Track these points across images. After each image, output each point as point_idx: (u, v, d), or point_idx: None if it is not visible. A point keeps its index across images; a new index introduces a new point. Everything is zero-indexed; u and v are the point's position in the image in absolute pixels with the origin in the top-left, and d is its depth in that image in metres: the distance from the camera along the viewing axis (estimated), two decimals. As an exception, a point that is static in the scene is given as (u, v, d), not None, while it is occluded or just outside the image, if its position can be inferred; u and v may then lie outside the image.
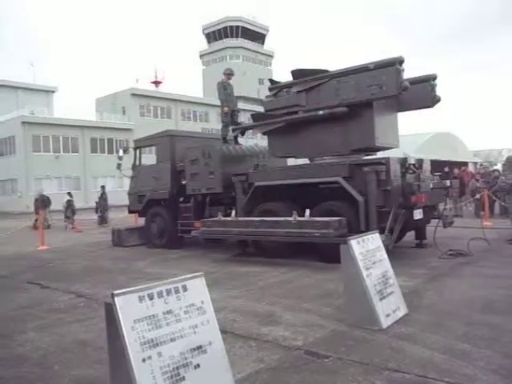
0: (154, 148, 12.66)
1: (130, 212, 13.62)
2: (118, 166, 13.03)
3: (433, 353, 3.93)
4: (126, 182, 14.57)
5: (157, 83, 61.85)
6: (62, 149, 43.04)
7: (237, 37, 67.16)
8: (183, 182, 11.42)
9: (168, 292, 3.03)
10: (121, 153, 13.35)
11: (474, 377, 3.44)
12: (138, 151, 12.93)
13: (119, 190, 37.87)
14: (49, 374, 4.02)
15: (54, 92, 52.77)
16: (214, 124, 53.55)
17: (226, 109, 11.83)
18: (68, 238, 16.01)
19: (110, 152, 45.60)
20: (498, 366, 3.62)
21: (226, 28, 66.99)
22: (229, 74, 12.18)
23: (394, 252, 6.56)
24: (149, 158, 13.65)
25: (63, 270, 9.55)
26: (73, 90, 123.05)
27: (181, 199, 11.77)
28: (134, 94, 48.88)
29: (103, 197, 21.87)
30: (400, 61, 8.01)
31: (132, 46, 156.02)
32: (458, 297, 5.82)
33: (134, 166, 13.01)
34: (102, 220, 21.12)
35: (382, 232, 5.79)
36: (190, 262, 9.59)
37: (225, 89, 11.90)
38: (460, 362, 3.71)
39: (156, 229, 12.12)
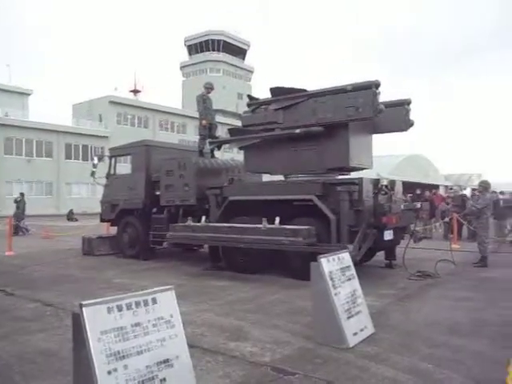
0: (129, 157, 12.57)
1: (102, 221, 13.45)
2: (92, 174, 12.88)
3: (397, 372, 4.00)
4: (100, 190, 14.40)
5: (135, 92, 61.61)
6: (35, 153, 42.30)
7: (218, 50, 67.54)
8: (157, 193, 11.37)
9: (137, 304, 3.03)
10: (96, 160, 13.21)
11: (436, 398, 3.52)
12: (113, 160, 12.84)
13: (93, 198, 37.43)
14: (8, 385, 3.92)
15: (29, 95, 51.84)
16: (191, 136, 53.47)
17: (204, 122, 11.88)
18: (37, 244, 15.69)
19: (85, 159, 45.11)
20: (459, 387, 3.72)
21: (207, 41, 67.31)
22: (209, 87, 12.25)
23: (363, 271, 6.66)
24: (123, 166, 13.53)
25: (30, 276, 9.35)
26: (49, 94, 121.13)
27: (154, 210, 11.70)
28: (112, 102, 48.51)
29: (19, 205, 20.32)
30: (376, 84, 8.20)
31: (112, 53, 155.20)
32: (424, 318, 5.93)
33: (108, 175, 12.88)
34: (16, 229, 18.60)
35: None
36: (160, 274, 9.51)
37: (204, 102, 11.96)
38: (423, 383, 3.78)
39: (128, 239, 12.01)
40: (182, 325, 3.23)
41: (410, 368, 4.11)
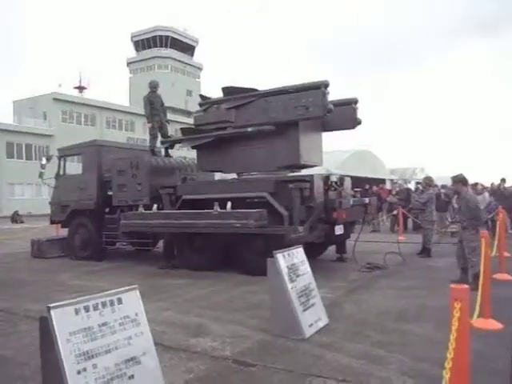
0: (80, 157, 12.35)
1: (53, 222, 13.15)
2: (40, 175, 12.55)
3: (351, 359, 4.27)
4: (45, 191, 14.08)
5: (81, 89, 59.96)
6: (-28, 152, 40.47)
7: (166, 47, 66.66)
8: (110, 193, 11.27)
9: (103, 304, 3.11)
10: (44, 161, 12.91)
11: (388, 379, 3.81)
12: (62, 160, 12.57)
13: (38, 199, 36.24)
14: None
15: (-34, 92, 49.75)
16: (140, 134, 52.76)
17: (149, 124, 11.83)
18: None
19: (29, 158, 43.56)
20: (408, 368, 4.03)
21: (155, 37, 66.27)
22: (153, 86, 12.08)
23: (316, 265, 6.93)
24: (72, 166, 13.27)
25: (-23, 282, 9.05)
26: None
27: (106, 210, 11.59)
28: (56, 99, 47.00)
29: None
30: (325, 84, 8.51)
31: (54, 48, 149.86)
32: (374, 307, 6.27)
33: (57, 175, 12.61)
34: None
35: (307, 247, 6.11)
36: (114, 274, 9.46)
37: (151, 103, 11.78)
38: (375, 367, 4.07)
39: (80, 240, 11.83)
40: (147, 323, 3.34)
41: (363, 354, 4.39)
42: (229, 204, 8.67)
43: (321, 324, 5.27)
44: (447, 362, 2.39)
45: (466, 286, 2.75)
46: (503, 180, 16.64)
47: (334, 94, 9.03)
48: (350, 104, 9.69)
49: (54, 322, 2.77)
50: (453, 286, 2.75)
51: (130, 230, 10.52)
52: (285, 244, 7.93)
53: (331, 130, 10.06)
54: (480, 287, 5.31)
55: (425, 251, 11.06)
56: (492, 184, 17.86)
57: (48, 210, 13.03)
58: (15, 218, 30.15)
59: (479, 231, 6.71)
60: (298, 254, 5.53)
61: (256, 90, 9.42)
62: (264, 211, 8.34)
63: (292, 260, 5.30)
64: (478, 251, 6.58)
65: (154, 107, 11.83)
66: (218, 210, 8.63)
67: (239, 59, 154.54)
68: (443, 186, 16.33)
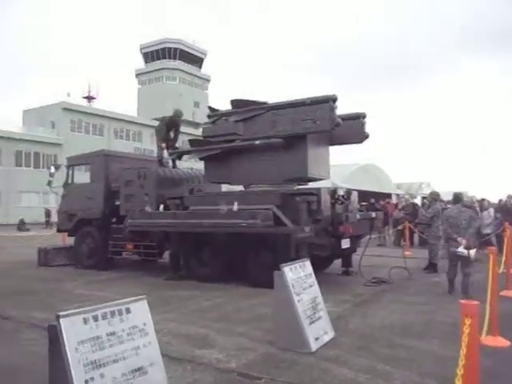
0: (88, 167, 12.44)
1: (59, 231, 13.22)
2: (49, 183, 12.66)
3: (357, 373, 4.25)
4: (52, 199, 14.18)
5: (90, 98, 60.44)
6: (-18, 160, 40.73)
7: (175, 58, 67.27)
8: (117, 203, 11.32)
9: (112, 314, 3.13)
10: (52, 169, 13.02)
11: (393, 395, 3.78)
12: (71, 169, 12.67)
13: (44, 207, 36.36)
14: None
15: (-24, 100, 50.26)
16: (147, 144, 53.01)
17: (163, 145, 11.95)
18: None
19: (37, 167, 43.78)
20: (414, 383, 3.99)
21: (164, 49, 66.93)
22: (177, 115, 12.25)
23: (321, 279, 6.89)
24: (80, 175, 13.38)
25: (-16, 289, 9.08)
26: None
27: (113, 220, 11.64)
28: (65, 109, 47.36)
29: None
30: (334, 99, 8.57)
31: (64, 58, 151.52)
32: (380, 321, 6.25)
33: (65, 184, 12.70)
34: None
35: (313, 260, 6.09)
36: (120, 284, 9.47)
37: (167, 128, 12.01)
38: (381, 382, 4.05)
39: (86, 249, 11.88)
40: (154, 333, 3.35)
41: (369, 369, 4.37)
42: (235, 204, 8.71)
43: (327, 338, 5.25)
44: (457, 379, 2.38)
45: (476, 302, 2.74)
46: (510, 196, 16.55)
47: (343, 108, 9.09)
48: (358, 118, 9.73)
49: (63, 331, 2.79)
50: (463, 301, 2.75)
51: (136, 230, 10.56)
52: (291, 244, 8.04)
53: (339, 144, 10.11)
54: (488, 305, 5.28)
55: (431, 266, 11.00)
56: (500, 201, 17.78)
57: (54, 219, 13.10)
58: (21, 226, 30.29)
59: None
60: (305, 268, 5.53)
61: (264, 102, 9.49)
62: (271, 211, 8.38)
63: (299, 273, 5.30)
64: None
65: (168, 133, 11.99)
66: (225, 209, 8.69)
67: (246, 70, 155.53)
68: (450, 202, 16.26)
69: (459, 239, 7.76)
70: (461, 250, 7.66)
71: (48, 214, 32.86)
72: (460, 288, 7.90)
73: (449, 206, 15.52)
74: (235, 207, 8.69)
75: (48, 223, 32.22)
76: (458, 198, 8.69)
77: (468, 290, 7.62)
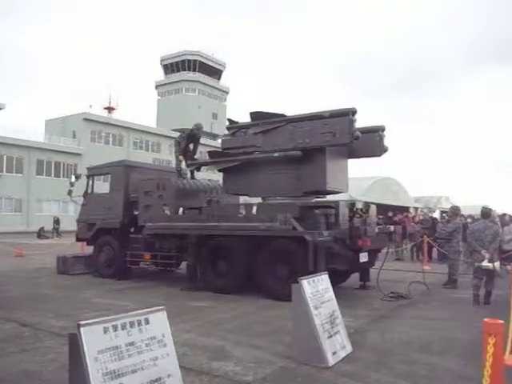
0: (108, 177, 12.60)
1: (78, 240, 13.38)
2: (69, 193, 12.85)
3: (375, 390, 4.19)
4: (72, 208, 14.37)
5: (110, 109, 61.34)
6: (5, 168, 41.45)
7: (194, 70, 67.96)
8: (136, 213, 11.42)
9: (131, 324, 3.15)
10: (73, 179, 13.18)
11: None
12: (91, 179, 12.85)
13: (64, 215, 36.83)
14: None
15: (0, 109, 51.15)
16: (166, 155, 53.45)
17: (181, 157, 12.02)
18: (9, 262, 15.39)
19: (57, 175, 44.46)
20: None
21: (184, 61, 67.68)
22: (197, 128, 12.19)
23: (339, 293, 6.84)
24: (99, 185, 13.53)
25: (4, 296, 9.21)
26: (22, 109, 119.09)
27: (132, 229, 11.73)
28: (86, 119, 48.11)
29: None
30: (353, 111, 8.57)
31: (86, 69, 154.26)
32: (398, 337, 6.16)
33: (85, 194, 12.87)
34: None
35: (330, 274, 6.05)
36: (138, 294, 9.53)
37: (188, 141, 12.06)
38: (399, 400, 3.98)
39: (104, 258, 11.98)
40: (173, 344, 3.36)
41: (387, 385, 4.31)
42: (254, 208, 8.75)
43: (344, 352, 5.20)
44: (481, 399, 2.33)
45: (500, 321, 2.69)
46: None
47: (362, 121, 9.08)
48: (377, 131, 9.70)
49: (84, 340, 2.81)
50: (487, 320, 2.70)
51: (154, 233, 10.64)
52: (309, 250, 8.02)
53: (358, 157, 10.07)
54: (511, 324, 5.18)
55: (451, 282, 10.83)
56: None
57: (74, 227, 13.26)
58: (41, 233, 30.68)
59: None
60: (323, 281, 5.50)
61: (283, 115, 9.53)
62: (289, 215, 8.42)
63: (317, 287, 5.27)
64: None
65: (187, 145, 12.08)
66: (244, 212, 8.75)
67: (265, 83, 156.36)
68: (470, 217, 16.05)
69: (483, 252, 8.21)
70: (485, 263, 8.09)
71: (57, 221, 32.82)
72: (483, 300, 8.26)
73: (469, 220, 15.34)
74: (254, 210, 8.75)
75: (57, 231, 32.29)
76: (486, 214, 8.97)
77: (490, 301, 8.29)
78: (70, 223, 13.68)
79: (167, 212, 10.44)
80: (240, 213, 9.17)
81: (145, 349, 3.15)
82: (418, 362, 5.08)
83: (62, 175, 44.46)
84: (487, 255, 8.13)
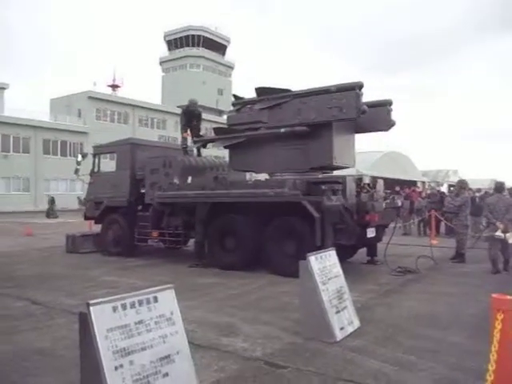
0: (114, 155, 12.59)
1: (86, 218, 13.45)
2: (76, 171, 12.88)
3: (382, 364, 4.22)
4: (79, 186, 14.42)
5: (114, 87, 61.04)
6: (11, 148, 41.54)
7: (198, 46, 67.11)
8: (142, 191, 11.45)
9: (140, 303, 3.16)
10: (79, 158, 13.19)
11: (420, 387, 3.75)
12: (97, 157, 12.85)
13: (72, 194, 37.03)
14: (6, 383, 4.00)
15: (4, 89, 50.93)
16: (171, 132, 53.30)
17: (185, 134, 11.96)
18: (18, 241, 15.54)
19: (64, 154, 44.55)
20: (441, 376, 3.96)
21: (187, 36, 66.79)
22: (192, 104, 12.16)
23: (346, 268, 6.86)
24: (105, 163, 13.54)
25: (15, 275, 9.30)
26: (26, 88, 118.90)
27: (139, 207, 11.77)
28: (90, 97, 47.88)
29: None
30: (360, 85, 8.45)
31: (90, 47, 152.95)
32: (406, 312, 6.19)
33: (92, 172, 12.89)
34: None
35: (338, 249, 6.03)
36: (146, 272, 9.61)
37: (186, 116, 12.03)
38: (407, 373, 4.01)
39: (112, 236, 12.06)
40: (181, 322, 3.38)
41: (395, 359, 4.34)
42: (264, 176, 8.77)
43: (352, 328, 5.23)
44: (489, 375, 2.33)
45: (509, 297, 2.67)
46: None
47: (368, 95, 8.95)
48: (384, 105, 9.58)
49: (93, 319, 2.83)
50: (495, 295, 2.68)
51: (164, 202, 10.68)
52: (320, 210, 8.11)
53: (365, 132, 9.98)
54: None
55: (458, 256, 10.83)
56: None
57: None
58: (50, 212, 30.78)
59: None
60: (331, 257, 5.50)
61: (289, 90, 9.42)
62: (298, 181, 8.47)
63: (324, 262, 5.27)
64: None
65: (188, 122, 12.03)
66: (253, 179, 8.78)
67: (270, 58, 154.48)
68: (479, 190, 15.95)
69: (497, 223, 8.81)
70: (498, 233, 8.71)
71: (52, 201, 31.29)
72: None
73: (477, 194, 15.24)
74: (265, 177, 8.79)
75: (52, 211, 30.58)
76: (500, 187, 9.61)
77: (508, 268, 9.07)
78: (76, 202, 13.72)
79: (176, 180, 10.46)
80: (250, 180, 9.17)
81: (154, 327, 3.17)
82: (425, 336, 5.10)
83: (68, 154, 44.53)
84: (501, 226, 8.75)
